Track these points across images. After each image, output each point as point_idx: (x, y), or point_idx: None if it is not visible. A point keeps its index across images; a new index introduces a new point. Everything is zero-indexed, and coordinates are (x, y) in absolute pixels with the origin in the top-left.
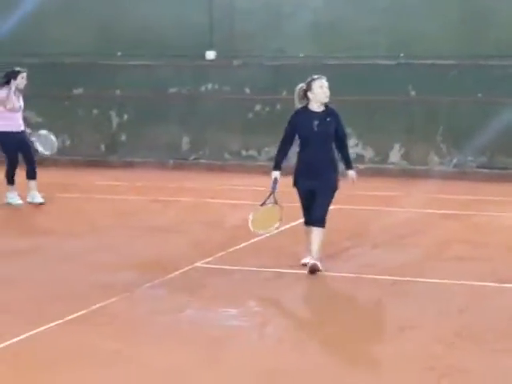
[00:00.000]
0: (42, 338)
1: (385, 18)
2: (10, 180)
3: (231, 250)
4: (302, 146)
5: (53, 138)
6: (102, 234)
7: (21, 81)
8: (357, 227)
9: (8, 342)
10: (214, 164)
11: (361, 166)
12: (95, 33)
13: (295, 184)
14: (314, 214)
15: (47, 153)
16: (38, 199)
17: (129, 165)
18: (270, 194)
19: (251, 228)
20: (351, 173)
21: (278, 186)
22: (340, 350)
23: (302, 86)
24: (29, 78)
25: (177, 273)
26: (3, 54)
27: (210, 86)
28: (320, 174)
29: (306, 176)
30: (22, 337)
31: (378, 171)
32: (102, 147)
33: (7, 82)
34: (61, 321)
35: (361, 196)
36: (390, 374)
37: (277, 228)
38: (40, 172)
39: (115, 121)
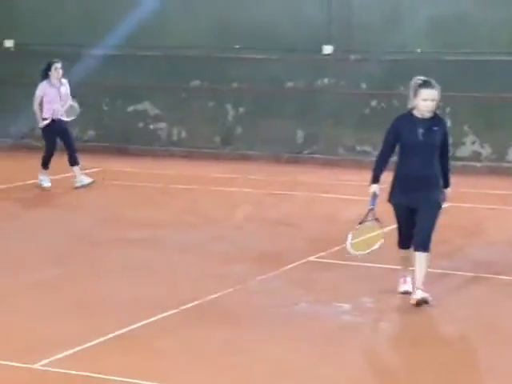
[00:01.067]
0: (158, 327)
1: (505, 12)
2: (45, 165)
3: (345, 245)
4: (403, 157)
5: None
6: (217, 225)
7: (54, 72)
8: (472, 225)
9: (125, 329)
10: (328, 159)
11: (478, 165)
12: (213, 26)
13: (391, 199)
14: (418, 237)
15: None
16: (87, 180)
17: (243, 157)
18: (369, 211)
19: (351, 251)
20: (448, 191)
21: (377, 201)
22: (459, 349)
23: (418, 80)
24: (147, 70)
25: (290, 266)
26: (123, 47)
27: (326, 80)
28: (422, 190)
29: (406, 191)
30: (138, 324)
31: (495, 169)
32: (217, 140)
33: (46, 75)
34: (176, 310)
35: (476, 194)
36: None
37: (379, 246)
38: (155, 163)
39: (231, 113)
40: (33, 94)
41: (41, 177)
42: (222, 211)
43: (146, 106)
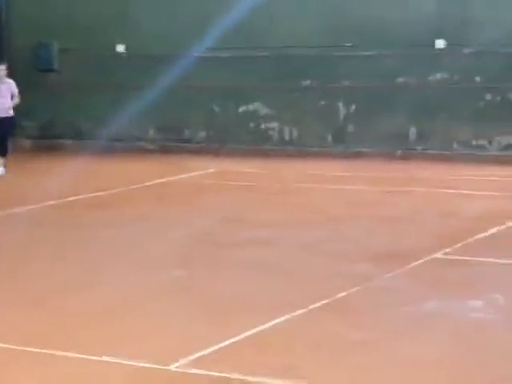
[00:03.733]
0: (287, 328)
1: None
2: None
3: (470, 240)
4: None
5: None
6: (337, 224)
7: None
8: None
9: (256, 329)
10: (443, 154)
11: None
12: (322, 24)
13: None
14: None
15: None
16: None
17: (356, 155)
18: None
19: None
20: None
21: None
22: None
23: None
24: (257, 70)
25: (416, 263)
26: (233, 48)
27: (439, 75)
28: None
29: None
30: (267, 325)
31: None
32: (329, 138)
33: None
34: (304, 309)
35: None
36: None
37: None
38: (268, 163)
39: (342, 111)
40: (139, 98)
41: None
42: (340, 209)
43: (257, 106)
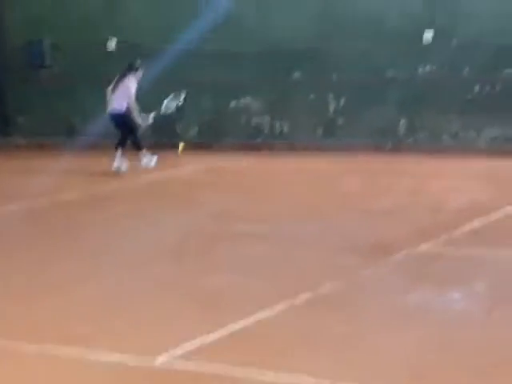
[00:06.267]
0: (273, 321)
1: None
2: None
3: (454, 232)
4: None
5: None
6: (325, 217)
7: None
8: None
9: (243, 322)
10: (432, 146)
11: None
12: (313, 18)
13: None
14: None
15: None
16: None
17: (346, 148)
18: None
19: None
20: None
21: None
22: None
23: None
24: (247, 65)
25: (400, 256)
26: (219, 41)
27: (427, 67)
28: None
29: None
30: (255, 317)
31: None
32: (320, 131)
33: None
34: (290, 303)
35: None
36: None
37: None
38: (259, 157)
39: (332, 105)
40: None
41: None
42: (329, 202)
43: (247, 100)
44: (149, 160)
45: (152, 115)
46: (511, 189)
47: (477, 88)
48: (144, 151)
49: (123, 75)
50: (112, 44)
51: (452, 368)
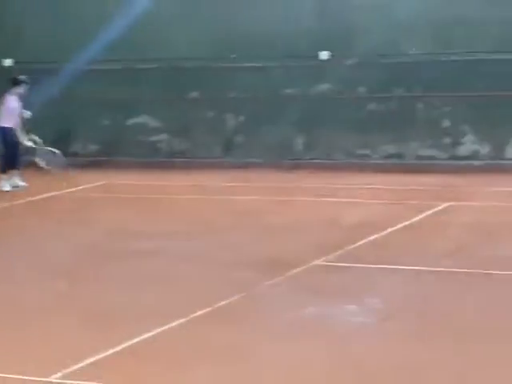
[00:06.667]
0: (167, 336)
1: (500, 13)
2: None
3: (350, 247)
4: None
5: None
6: (223, 233)
7: None
8: (475, 222)
9: (138, 339)
10: (328, 163)
11: (477, 163)
12: (210, 36)
13: None
14: None
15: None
16: None
17: (244, 166)
18: None
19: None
20: None
21: None
22: (470, 348)
23: None
24: (145, 83)
25: (297, 270)
26: (117, 59)
27: (324, 86)
28: None
29: None
30: (148, 334)
31: (494, 167)
32: (218, 149)
33: None
34: (187, 318)
35: (477, 192)
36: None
37: None
38: (158, 175)
39: (231, 123)
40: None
41: None
42: (227, 219)
43: (145, 118)
44: (5, 184)
45: (32, 138)
46: (405, 205)
47: (371, 106)
48: (8, 176)
49: (7, 91)
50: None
51: (340, 379)
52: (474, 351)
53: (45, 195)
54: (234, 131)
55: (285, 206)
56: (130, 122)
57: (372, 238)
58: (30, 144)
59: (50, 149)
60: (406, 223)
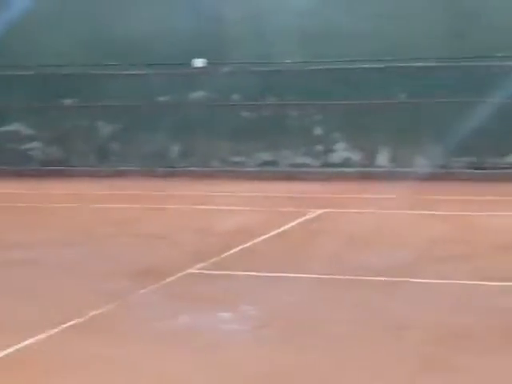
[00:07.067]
0: (36, 347)
1: (370, 24)
2: None
3: (224, 255)
4: None
5: None
6: (95, 242)
7: None
8: (347, 230)
9: (7, 351)
10: (204, 171)
11: (349, 170)
12: (83, 43)
13: None
14: None
15: None
16: None
17: (119, 173)
18: None
19: None
20: None
21: None
22: (338, 352)
23: None
24: (15, 90)
25: (171, 279)
26: None
27: (198, 93)
28: None
29: None
30: (16, 347)
31: (366, 174)
32: (93, 157)
33: None
34: (56, 329)
35: (348, 199)
36: (385, 374)
37: None
38: (31, 183)
39: (105, 130)
40: None
41: None
42: (100, 228)
43: (17, 126)
44: None
45: None
46: (279, 212)
47: (245, 114)
48: None
49: None
50: None
51: None
52: (341, 355)
53: None
54: (110, 139)
55: (160, 214)
56: (1, 129)
57: (247, 245)
58: None
59: None
60: (279, 230)
